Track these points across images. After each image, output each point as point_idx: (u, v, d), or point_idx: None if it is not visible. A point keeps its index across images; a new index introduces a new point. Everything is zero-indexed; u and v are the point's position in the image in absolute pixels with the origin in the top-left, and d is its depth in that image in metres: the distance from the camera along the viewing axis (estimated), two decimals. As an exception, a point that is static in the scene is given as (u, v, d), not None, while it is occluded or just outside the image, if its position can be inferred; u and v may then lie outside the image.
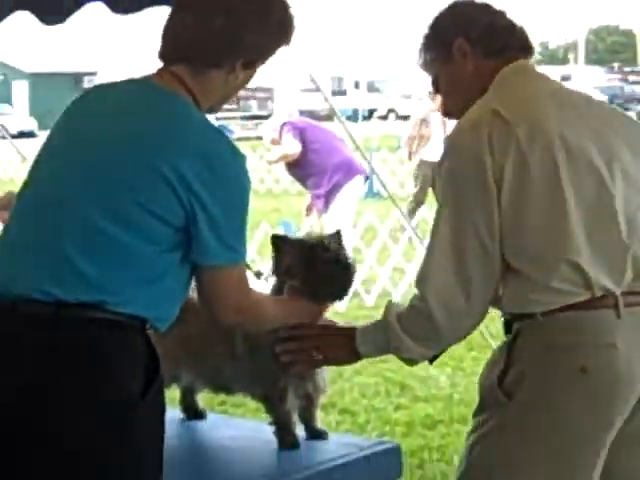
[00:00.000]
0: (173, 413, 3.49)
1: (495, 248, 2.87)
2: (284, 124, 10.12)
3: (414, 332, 2.96)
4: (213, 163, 2.67)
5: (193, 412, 3.54)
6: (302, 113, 12.53)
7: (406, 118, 43.76)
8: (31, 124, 44.15)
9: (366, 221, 11.43)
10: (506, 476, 2.93)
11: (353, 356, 3.10)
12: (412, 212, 13.02)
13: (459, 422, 6.60)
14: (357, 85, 54.62)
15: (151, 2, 5.22)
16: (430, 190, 13.82)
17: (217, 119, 39.59)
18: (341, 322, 3.30)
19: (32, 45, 37.47)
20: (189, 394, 3.53)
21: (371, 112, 49.75)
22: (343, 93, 54.12)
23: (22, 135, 38.36)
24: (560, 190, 2.87)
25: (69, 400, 2.62)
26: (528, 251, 2.89)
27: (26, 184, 2.85)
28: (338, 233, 3.28)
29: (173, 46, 2.83)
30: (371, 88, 54.86)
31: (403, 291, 10.07)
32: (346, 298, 3.33)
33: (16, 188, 2.98)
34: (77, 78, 43.45)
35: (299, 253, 3.18)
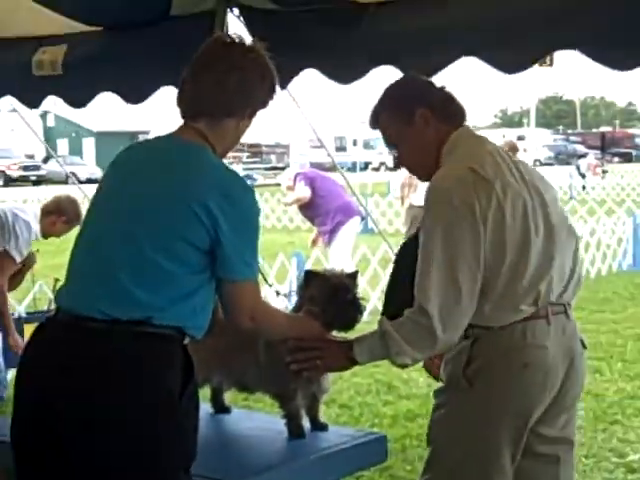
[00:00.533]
0: (204, 408, 3.44)
1: (479, 276, 2.87)
2: (297, 174, 10.22)
3: (413, 340, 2.89)
4: (230, 197, 2.69)
5: (220, 407, 3.51)
6: (312, 165, 12.53)
7: (394, 170, 43.80)
8: (97, 172, 44.25)
9: (361, 253, 11.37)
10: (466, 447, 2.96)
11: (350, 363, 3.05)
12: None
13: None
14: (355, 143, 54.97)
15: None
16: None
17: (244, 169, 39.96)
18: (338, 336, 3.26)
19: (98, 108, 37.71)
20: (218, 393, 3.50)
21: (367, 165, 49.91)
22: (344, 149, 54.35)
23: (90, 181, 38.46)
24: (527, 232, 2.91)
25: (117, 402, 2.59)
26: (502, 281, 2.90)
27: (85, 223, 2.86)
28: (355, 274, 3.29)
29: (193, 105, 2.84)
30: (367, 145, 55.12)
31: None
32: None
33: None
34: (133, 136, 43.61)
35: (324, 289, 3.19)
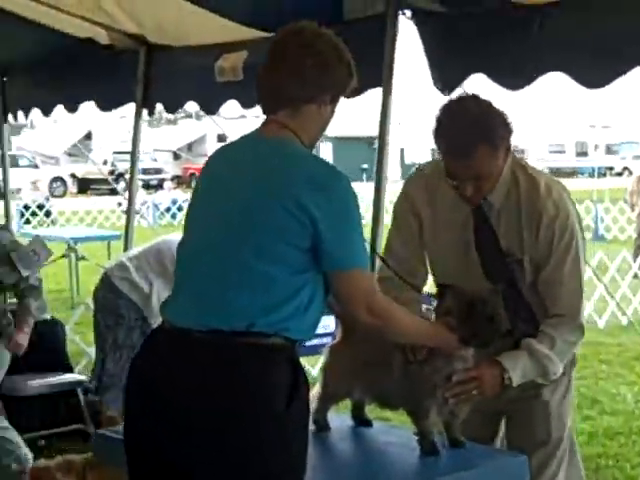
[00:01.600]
0: (344, 419, 3.36)
1: None
2: None
3: (565, 357, 3.21)
4: (323, 188, 2.59)
5: (360, 420, 3.36)
6: (550, 170, 12.26)
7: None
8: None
9: (598, 259, 10.90)
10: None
11: (502, 388, 3.13)
12: (635, 254, 12.57)
13: (636, 434, 6.19)
14: (596, 147, 53.21)
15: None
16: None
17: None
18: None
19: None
20: (358, 406, 3.36)
21: (610, 169, 48.19)
22: (585, 154, 52.75)
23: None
24: None
25: (217, 415, 2.53)
26: None
27: (184, 233, 2.81)
28: (497, 290, 3.06)
29: (271, 96, 2.76)
30: (609, 150, 53.24)
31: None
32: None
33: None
34: (370, 141, 44.13)
35: (461, 302, 2.99)
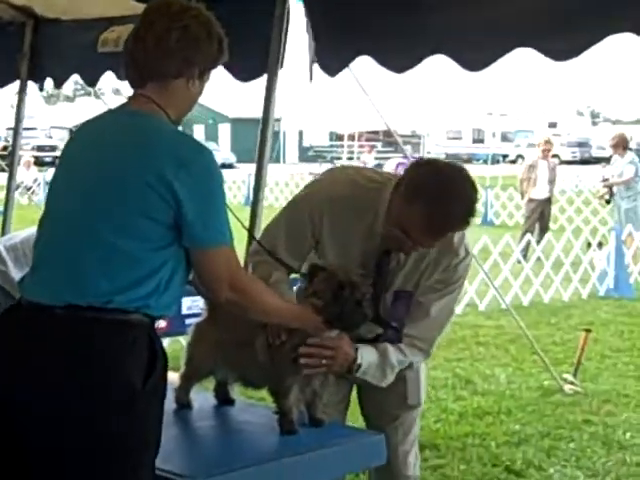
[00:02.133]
0: (208, 398, 3.37)
1: None
2: (399, 164, 10.15)
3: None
4: (185, 162, 2.56)
5: (223, 399, 3.37)
6: (447, 156, 12.49)
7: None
8: (232, 158, 44.93)
9: (482, 243, 11.12)
10: None
11: (346, 372, 3.18)
12: (521, 238, 12.91)
13: (505, 414, 6.33)
14: (494, 135, 54.09)
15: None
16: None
17: (375, 158, 39.74)
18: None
19: (234, 94, 38.27)
20: (221, 385, 3.37)
21: (504, 157, 49.04)
22: (482, 141, 53.55)
23: (224, 166, 39.13)
24: None
25: (71, 393, 2.51)
26: None
27: (45, 208, 2.76)
28: (367, 275, 3.11)
29: (138, 70, 2.72)
30: (505, 138, 54.15)
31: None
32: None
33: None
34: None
35: (330, 284, 3.00)
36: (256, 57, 5.09)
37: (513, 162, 47.47)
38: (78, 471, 2.52)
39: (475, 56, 4.21)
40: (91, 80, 6.23)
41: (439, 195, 3.03)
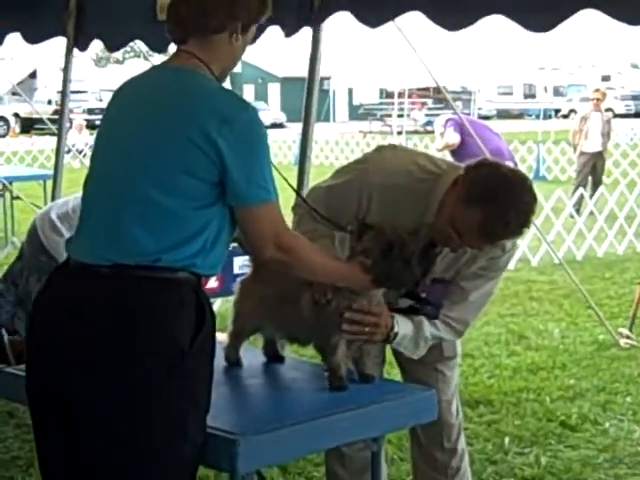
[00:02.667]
0: (257, 355, 3.34)
1: None
2: (448, 120, 9.96)
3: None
4: (228, 118, 2.51)
5: (272, 356, 3.34)
6: (498, 112, 12.32)
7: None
8: (281, 117, 44.89)
9: None
10: None
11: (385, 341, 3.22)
12: (573, 192, 12.79)
13: (559, 369, 6.26)
14: (546, 90, 53.39)
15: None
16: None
17: (426, 115, 39.43)
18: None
19: (283, 53, 38.15)
20: (269, 343, 3.34)
21: (556, 112, 48.37)
22: (533, 96, 52.88)
23: (274, 126, 39.14)
24: None
25: (120, 349, 2.49)
26: None
27: (90, 167, 2.73)
28: (418, 230, 2.99)
29: (179, 26, 2.68)
30: (557, 92, 53.42)
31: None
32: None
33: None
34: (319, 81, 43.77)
35: (379, 242, 2.93)
36: (295, 11, 5.02)
37: (565, 117, 46.86)
38: (125, 429, 2.51)
39: (540, 18, 4.11)
40: (158, 47, 6.15)
41: (499, 204, 2.98)
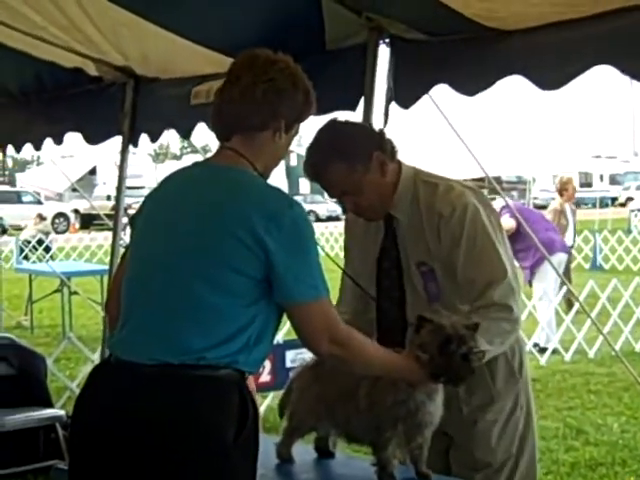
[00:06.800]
0: (309, 451, 3.30)
1: None
2: (503, 207, 9.99)
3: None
4: (276, 217, 2.53)
5: (323, 452, 3.32)
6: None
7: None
8: (337, 209, 44.72)
9: (589, 288, 10.78)
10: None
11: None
12: None
13: (619, 465, 6.12)
14: (602, 178, 53.21)
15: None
16: None
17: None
18: None
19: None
20: (322, 439, 3.31)
21: (613, 200, 48.10)
22: (589, 185, 52.71)
23: (330, 219, 39.50)
24: None
25: (170, 449, 2.49)
26: None
27: (130, 263, 2.74)
28: (475, 326, 2.97)
29: (224, 124, 2.73)
30: (613, 181, 53.19)
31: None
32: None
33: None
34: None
35: (437, 337, 2.90)
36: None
37: (623, 205, 46.54)
38: None
39: (550, 75, 4.16)
40: (185, 132, 6.33)
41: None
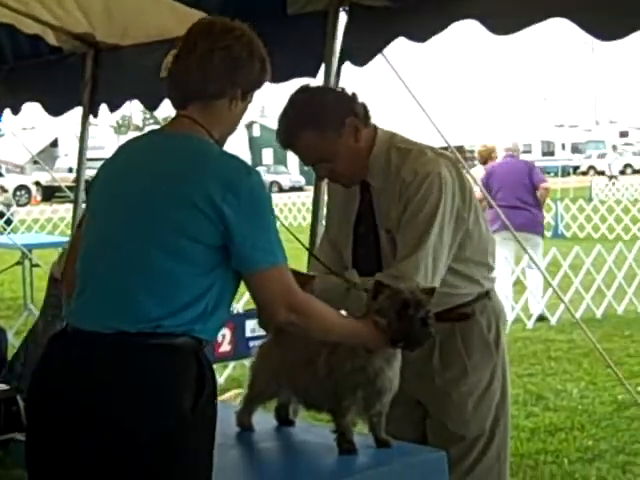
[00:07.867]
0: (268, 420, 3.32)
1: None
2: None
3: None
4: (232, 184, 2.52)
5: (283, 420, 3.34)
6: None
7: (601, 173, 42.48)
8: (301, 180, 45.16)
9: (551, 255, 10.95)
10: None
11: None
12: None
13: (578, 430, 6.20)
14: (564, 147, 53.52)
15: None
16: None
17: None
18: None
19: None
20: (283, 407, 3.33)
21: (575, 169, 48.45)
22: (552, 154, 53.00)
23: (293, 189, 39.41)
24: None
25: (126, 417, 2.48)
26: None
27: (85, 232, 2.72)
28: (432, 290, 3.01)
29: (180, 91, 2.71)
30: (575, 150, 53.53)
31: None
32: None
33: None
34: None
35: (395, 302, 2.92)
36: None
37: (584, 174, 46.90)
38: None
39: (504, 21, 4.17)
40: (152, 104, 6.29)
41: None
